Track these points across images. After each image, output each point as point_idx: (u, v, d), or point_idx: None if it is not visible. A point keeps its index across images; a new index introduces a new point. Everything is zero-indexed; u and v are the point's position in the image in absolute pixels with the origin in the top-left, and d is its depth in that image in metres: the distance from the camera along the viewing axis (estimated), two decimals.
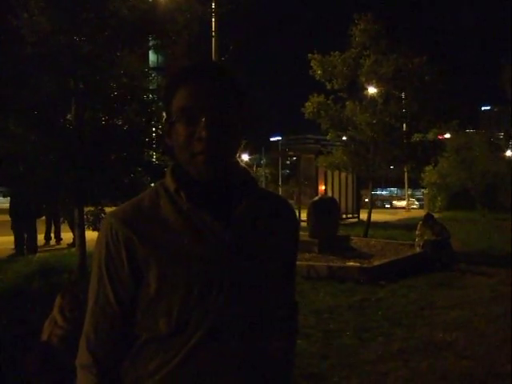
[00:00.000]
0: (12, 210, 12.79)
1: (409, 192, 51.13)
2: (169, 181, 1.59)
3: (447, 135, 31.63)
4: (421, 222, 13.49)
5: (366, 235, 17.47)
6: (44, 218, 14.44)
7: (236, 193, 1.59)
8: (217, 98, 1.50)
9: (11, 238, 13.08)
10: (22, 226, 12.86)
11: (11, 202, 12.67)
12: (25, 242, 12.92)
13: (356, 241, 15.07)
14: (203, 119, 1.47)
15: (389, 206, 67.29)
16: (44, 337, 4.05)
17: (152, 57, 12.36)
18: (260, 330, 1.58)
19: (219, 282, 1.49)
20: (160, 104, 10.18)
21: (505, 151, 57.17)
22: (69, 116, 9.21)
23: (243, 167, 1.69)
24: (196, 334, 1.48)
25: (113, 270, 1.53)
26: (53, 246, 14.57)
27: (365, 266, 11.11)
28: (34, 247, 12.94)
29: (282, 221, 1.70)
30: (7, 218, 13.18)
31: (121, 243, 1.51)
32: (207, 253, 1.50)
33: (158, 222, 1.53)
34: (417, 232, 13.54)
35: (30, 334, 5.33)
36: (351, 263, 11.47)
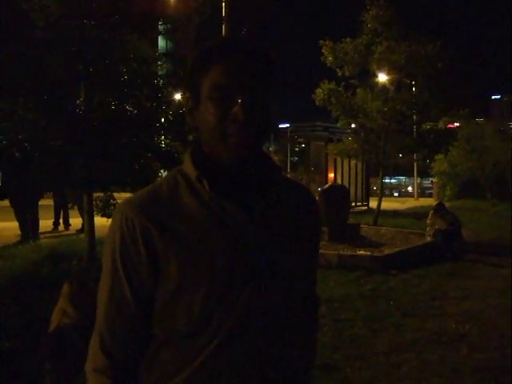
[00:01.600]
0: (12, 198, 12.60)
1: (418, 181, 51.03)
2: (189, 167, 1.47)
3: (457, 124, 31.37)
4: (432, 211, 13.39)
5: (375, 223, 17.36)
6: (52, 203, 14.38)
7: (261, 182, 1.48)
8: (255, 77, 1.40)
9: (15, 224, 12.98)
10: (23, 212, 12.71)
11: (11, 189, 12.42)
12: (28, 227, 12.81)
13: (366, 229, 14.96)
14: (240, 99, 1.36)
15: (397, 194, 67.16)
16: (52, 326, 3.97)
17: (161, 42, 12.26)
18: (285, 326, 1.47)
19: (243, 276, 1.39)
20: (170, 89, 10.09)
21: None
22: (78, 101, 9.12)
23: (268, 155, 1.58)
24: (219, 334, 1.37)
25: (129, 263, 1.40)
26: (61, 231, 14.53)
27: (375, 254, 11.02)
28: (36, 232, 12.84)
29: (305, 211, 1.60)
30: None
31: (137, 233, 1.39)
32: (231, 245, 1.39)
33: (177, 211, 1.42)
34: (428, 221, 13.44)
35: (40, 321, 5.29)
36: (362, 252, 11.37)
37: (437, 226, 12.85)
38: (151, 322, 1.43)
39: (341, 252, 11.15)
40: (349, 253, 11.20)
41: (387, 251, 11.56)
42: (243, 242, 1.40)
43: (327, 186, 14.82)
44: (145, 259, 1.39)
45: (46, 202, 14.06)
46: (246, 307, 1.38)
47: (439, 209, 13.28)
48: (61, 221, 14.84)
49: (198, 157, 1.48)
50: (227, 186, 1.43)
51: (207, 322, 1.37)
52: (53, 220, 14.63)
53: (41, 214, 12.84)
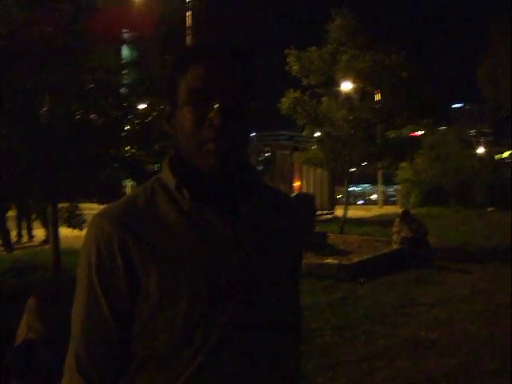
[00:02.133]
0: None
1: (382, 188, 51.39)
2: (167, 176, 1.40)
3: (420, 132, 31.77)
4: (398, 219, 13.47)
5: (342, 232, 17.40)
6: (14, 214, 14.12)
7: (241, 189, 1.41)
8: (234, 81, 1.32)
9: None
10: None
11: None
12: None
13: (333, 237, 14.95)
14: (217, 104, 1.29)
15: (362, 202, 67.58)
16: (17, 342, 3.84)
17: (126, 51, 12.15)
18: (270, 340, 1.40)
19: (227, 288, 1.32)
20: (135, 98, 9.99)
21: (476, 148, 57.87)
22: (42, 110, 8.95)
23: (248, 162, 1.51)
24: (202, 350, 1.30)
25: (106, 278, 1.32)
26: (25, 243, 14.27)
27: (343, 262, 11.02)
28: (10, 244, 12.62)
29: (288, 219, 1.54)
30: None
31: (114, 246, 1.31)
32: (213, 256, 1.32)
33: (156, 222, 1.34)
34: (394, 228, 13.51)
35: (4, 336, 5.14)
36: (329, 260, 11.37)
37: (403, 234, 12.92)
38: (130, 339, 1.35)
39: (308, 261, 11.12)
40: (316, 261, 11.17)
41: (355, 259, 11.58)
42: (225, 254, 1.34)
43: (293, 194, 14.81)
44: (122, 273, 1.31)
45: (9, 213, 13.78)
46: (229, 322, 1.31)
47: (405, 216, 13.38)
48: (24, 232, 14.57)
49: (176, 165, 1.41)
50: (207, 195, 1.36)
51: (190, 338, 1.30)
52: (16, 231, 14.37)
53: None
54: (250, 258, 1.36)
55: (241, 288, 1.33)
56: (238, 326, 1.32)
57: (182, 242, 1.32)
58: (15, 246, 13.29)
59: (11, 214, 14.22)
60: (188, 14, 15.43)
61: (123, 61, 10.36)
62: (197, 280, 1.30)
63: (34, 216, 12.87)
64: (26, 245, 13.95)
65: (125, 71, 10.17)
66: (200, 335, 1.30)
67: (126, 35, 10.19)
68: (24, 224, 14.49)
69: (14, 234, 14.11)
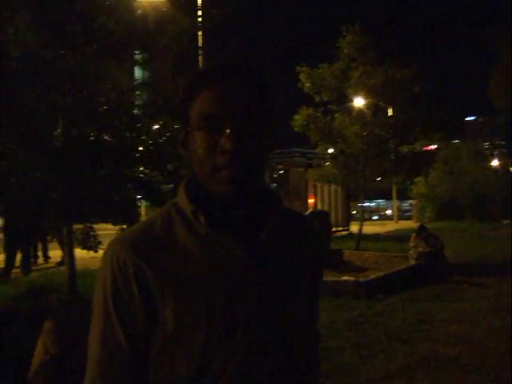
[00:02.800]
0: (9, 229, 12.29)
1: (397, 204, 51.22)
2: (183, 201, 1.37)
3: (433, 146, 31.76)
4: (414, 234, 13.37)
5: (357, 248, 17.30)
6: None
7: (260, 214, 1.37)
8: (245, 103, 1.28)
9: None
10: (16, 246, 12.50)
11: (8, 220, 12.14)
12: (19, 261, 12.61)
13: (348, 254, 14.87)
14: (229, 129, 1.25)
15: (377, 217, 67.32)
16: (34, 365, 3.82)
17: (138, 72, 12.22)
18: (290, 366, 1.36)
19: (246, 316, 1.28)
20: (148, 119, 10.03)
21: (490, 161, 57.60)
22: (56, 132, 9.00)
23: (266, 185, 1.48)
24: (221, 378, 1.26)
25: (122, 306, 1.29)
26: (41, 264, 14.30)
27: (360, 279, 10.93)
28: (28, 267, 12.65)
29: (308, 242, 1.50)
30: None
31: (130, 274, 1.28)
32: (231, 283, 1.29)
33: (172, 249, 1.31)
34: (410, 244, 13.40)
35: (20, 358, 5.13)
36: (346, 277, 11.28)
37: (420, 249, 12.82)
38: (147, 368, 1.31)
39: (325, 278, 11.00)
40: (333, 279, 11.08)
41: (371, 276, 11.49)
42: (243, 280, 1.31)
43: (308, 212, 14.77)
44: (138, 301, 1.28)
45: None
46: (248, 349, 1.28)
47: (421, 231, 13.29)
48: (40, 253, 14.62)
49: (192, 189, 1.38)
50: (224, 221, 1.33)
51: (208, 366, 1.26)
52: (31, 253, 14.39)
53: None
54: (267, 284, 1.33)
55: (258, 314, 1.30)
56: (257, 353, 1.29)
57: (199, 269, 1.30)
58: (31, 268, 13.33)
59: None
60: (199, 33, 15.48)
61: (136, 82, 10.43)
62: (214, 307, 1.27)
63: (49, 238, 12.91)
64: (42, 266, 13.97)
65: (137, 92, 10.23)
66: (218, 363, 1.26)
67: (137, 56, 10.25)
68: (40, 245, 14.54)
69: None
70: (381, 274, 11.73)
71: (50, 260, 14.46)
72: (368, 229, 25.36)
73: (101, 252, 8.81)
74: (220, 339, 1.26)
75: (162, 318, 1.28)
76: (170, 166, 9.63)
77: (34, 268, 13.50)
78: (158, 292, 1.28)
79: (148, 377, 1.32)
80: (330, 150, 19.79)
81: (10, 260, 12.34)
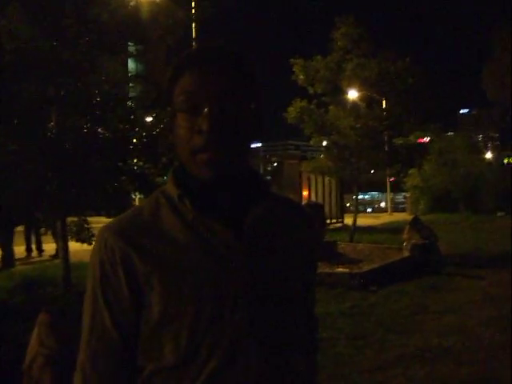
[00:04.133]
0: None
1: (391, 196, 51.31)
2: (170, 187, 1.37)
3: (426, 138, 31.85)
4: (408, 226, 13.40)
5: (352, 240, 17.35)
6: (22, 229, 14.10)
7: (247, 198, 1.37)
8: (225, 84, 1.28)
9: None
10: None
11: None
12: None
13: (343, 246, 14.92)
14: (206, 109, 1.25)
15: (371, 209, 67.48)
16: (29, 357, 3.82)
17: (131, 64, 12.18)
18: (281, 352, 1.35)
19: (233, 299, 1.28)
20: (142, 111, 10.01)
21: (484, 153, 57.80)
22: (50, 124, 8.97)
23: (254, 170, 1.47)
24: (209, 363, 1.26)
25: (109, 291, 1.31)
26: (34, 257, 14.27)
27: (354, 271, 10.97)
28: (11, 261, 12.55)
29: (298, 227, 1.49)
30: None
31: (117, 260, 1.29)
32: (218, 267, 1.29)
33: (159, 234, 1.32)
34: (404, 236, 13.43)
35: (14, 351, 5.13)
36: (340, 269, 11.33)
37: (413, 241, 12.85)
38: (136, 353, 1.32)
39: (319, 270, 11.04)
40: (327, 270, 11.11)
41: (366, 267, 11.53)
42: (230, 264, 1.30)
43: (303, 204, 14.78)
44: (125, 286, 1.30)
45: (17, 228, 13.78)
46: (236, 335, 1.28)
47: (415, 223, 13.31)
48: (33, 246, 14.58)
49: (179, 175, 1.38)
50: (211, 204, 1.33)
51: (196, 351, 1.27)
52: (25, 246, 14.36)
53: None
54: (255, 267, 1.32)
55: (246, 299, 1.30)
56: (246, 339, 1.29)
57: (186, 253, 1.30)
58: (25, 261, 13.31)
59: (20, 228, 14.24)
60: (193, 25, 15.44)
61: (129, 74, 10.39)
62: (201, 292, 1.27)
63: (43, 230, 12.87)
64: (36, 259, 13.94)
65: (131, 84, 10.20)
66: (206, 349, 1.27)
67: (131, 48, 10.22)
68: (33, 238, 14.50)
69: (22, 248, 14.12)
70: (375, 265, 11.76)
71: (43, 253, 14.43)
72: (362, 221, 25.44)
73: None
74: (207, 325, 1.26)
75: (149, 303, 1.28)
76: (164, 159, 9.62)
77: (27, 261, 13.50)
78: (144, 277, 1.28)
79: (139, 362, 1.32)
80: (324, 143, 19.81)
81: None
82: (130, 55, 10.39)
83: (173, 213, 1.34)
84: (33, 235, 14.34)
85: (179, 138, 1.31)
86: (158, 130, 9.56)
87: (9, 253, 12.50)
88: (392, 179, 37.57)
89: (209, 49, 1.35)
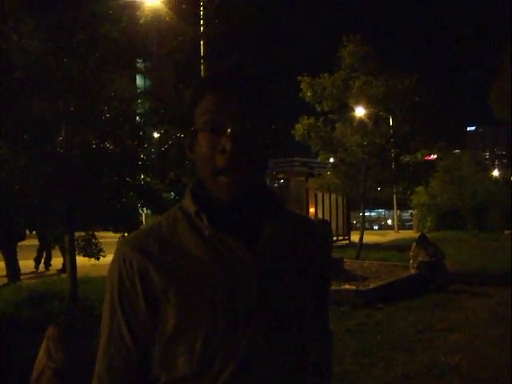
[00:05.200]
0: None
1: (397, 213, 51.23)
2: (188, 202, 1.41)
3: (433, 156, 31.91)
4: (415, 243, 13.36)
5: (358, 257, 17.31)
6: (36, 243, 14.18)
7: (263, 215, 1.40)
8: (246, 105, 1.32)
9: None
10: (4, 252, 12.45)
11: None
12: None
13: (349, 263, 14.89)
14: (229, 129, 1.29)
15: (377, 227, 67.35)
16: (37, 371, 3.84)
17: (139, 81, 12.28)
18: (294, 366, 1.38)
19: (247, 314, 1.32)
20: (150, 127, 10.07)
21: (491, 171, 57.67)
22: (59, 139, 9.04)
23: (269, 187, 1.51)
24: (222, 375, 1.30)
25: (127, 303, 1.35)
26: (42, 271, 14.32)
27: (361, 288, 10.95)
28: (17, 275, 12.54)
29: (312, 244, 1.52)
30: None
31: (135, 273, 1.33)
32: (233, 282, 1.32)
33: (176, 248, 1.36)
34: (411, 253, 13.40)
35: (22, 365, 5.14)
36: (347, 286, 11.29)
37: (420, 258, 12.81)
38: (152, 364, 1.36)
39: None
40: (333, 287, 11.08)
41: (372, 285, 11.49)
42: (246, 279, 1.34)
43: None
44: (142, 299, 1.34)
45: (28, 243, 13.82)
46: (249, 348, 1.31)
47: (422, 240, 13.27)
48: (42, 260, 14.63)
49: (197, 191, 1.42)
50: (227, 221, 1.37)
51: (209, 363, 1.30)
52: (35, 261, 14.43)
53: (21, 254, 12.63)
54: (270, 284, 1.36)
55: (260, 313, 1.33)
56: (259, 353, 1.32)
57: (202, 268, 1.33)
58: (33, 275, 13.34)
59: (30, 242, 14.28)
60: (202, 42, 15.56)
61: (138, 90, 10.47)
62: (216, 306, 1.31)
63: (51, 245, 12.90)
64: (44, 273, 13.98)
65: (140, 100, 10.27)
66: (219, 361, 1.30)
67: (140, 65, 10.30)
68: (44, 253, 14.55)
69: (29, 263, 14.16)
70: (381, 283, 11.73)
71: (50, 267, 14.47)
72: (369, 238, 25.38)
73: (102, 259, 8.82)
74: (221, 338, 1.30)
75: (164, 315, 1.32)
76: (171, 174, 9.67)
77: (35, 275, 13.53)
78: (161, 290, 1.32)
79: (154, 373, 1.36)
80: (331, 160, 19.86)
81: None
82: (139, 71, 10.47)
83: (190, 228, 1.38)
84: (44, 250, 14.40)
85: (201, 157, 1.34)
86: (166, 146, 9.61)
87: (13, 267, 12.52)
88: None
89: (229, 71, 1.39)
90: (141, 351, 1.35)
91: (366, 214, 25.45)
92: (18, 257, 12.45)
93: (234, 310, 1.31)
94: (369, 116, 18.49)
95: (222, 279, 1.32)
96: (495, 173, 56.89)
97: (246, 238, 1.36)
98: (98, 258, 9.06)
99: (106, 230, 9.74)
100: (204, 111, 1.34)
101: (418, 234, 15.05)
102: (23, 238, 12.88)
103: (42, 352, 3.94)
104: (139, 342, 1.35)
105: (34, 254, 14.53)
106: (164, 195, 9.94)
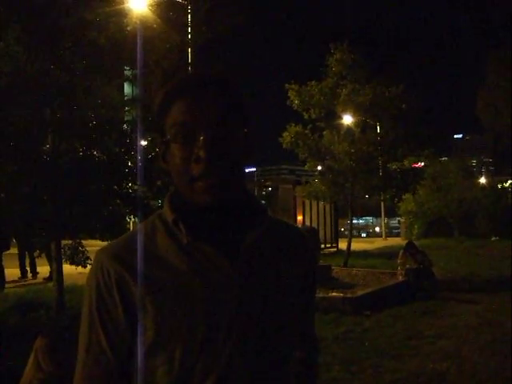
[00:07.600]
0: None
1: (385, 221, 51.35)
2: (166, 211, 1.38)
3: (420, 163, 32.07)
4: (402, 251, 13.39)
5: (346, 265, 17.33)
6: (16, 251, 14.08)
7: (244, 223, 1.37)
8: (219, 112, 1.28)
9: None
10: None
11: None
12: None
13: (337, 270, 14.91)
14: (202, 137, 1.26)
15: (365, 234, 67.52)
16: (25, 382, 3.79)
17: (127, 88, 12.25)
18: (276, 377, 1.36)
19: (227, 325, 1.29)
20: (137, 135, 10.04)
21: (478, 178, 58.04)
22: (46, 147, 9.00)
23: (251, 194, 1.47)
24: None
25: (105, 313, 1.31)
26: (28, 280, 14.22)
27: (348, 296, 10.94)
28: (2, 284, 12.47)
29: (295, 251, 1.48)
30: None
31: (113, 283, 1.30)
32: (212, 292, 1.29)
33: (154, 258, 1.33)
34: (398, 260, 13.43)
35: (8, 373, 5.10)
36: (334, 293, 11.29)
37: (408, 265, 12.85)
38: (131, 374, 1.33)
39: None
40: (321, 295, 11.06)
41: (360, 292, 11.50)
42: (225, 289, 1.31)
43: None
44: (120, 308, 1.31)
45: (12, 251, 13.74)
46: (229, 360, 1.28)
47: (410, 248, 13.30)
48: (28, 268, 14.53)
49: (176, 200, 1.39)
50: (206, 229, 1.34)
51: (189, 374, 1.27)
52: (19, 269, 14.32)
53: (7, 262, 12.55)
54: (249, 293, 1.33)
55: (240, 324, 1.30)
56: (240, 363, 1.29)
57: (180, 278, 1.30)
58: (18, 284, 13.25)
59: (14, 251, 14.20)
60: (189, 50, 15.58)
61: (125, 97, 10.44)
62: (195, 316, 1.28)
63: (37, 253, 12.82)
64: (30, 282, 13.89)
65: (127, 108, 10.24)
66: (199, 373, 1.27)
67: (127, 72, 10.28)
68: (27, 261, 14.45)
69: (17, 271, 14.07)
70: (369, 290, 11.74)
71: (37, 276, 14.38)
72: (356, 246, 25.40)
73: (89, 267, 8.77)
74: (200, 347, 1.27)
75: (143, 325, 1.29)
76: (158, 182, 9.64)
77: (21, 284, 13.44)
78: (139, 300, 1.29)
79: (134, 383, 1.33)
80: (319, 167, 19.89)
81: None
82: (126, 79, 10.45)
83: (168, 237, 1.35)
84: (27, 257, 14.30)
85: (176, 167, 1.31)
86: (153, 154, 9.59)
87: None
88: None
89: (198, 76, 1.36)
90: (120, 362, 1.32)
91: (353, 222, 25.45)
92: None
93: (214, 321, 1.29)
94: (356, 124, 18.58)
95: (200, 290, 1.30)
96: (482, 180, 57.24)
97: (225, 246, 1.33)
98: (84, 266, 9.02)
99: (93, 238, 9.69)
100: (174, 121, 1.31)
101: (406, 242, 15.10)
102: (8, 247, 12.85)
103: (30, 363, 3.89)
104: (118, 353, 1.32)
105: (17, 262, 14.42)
106: (151, 203, 9.90)
